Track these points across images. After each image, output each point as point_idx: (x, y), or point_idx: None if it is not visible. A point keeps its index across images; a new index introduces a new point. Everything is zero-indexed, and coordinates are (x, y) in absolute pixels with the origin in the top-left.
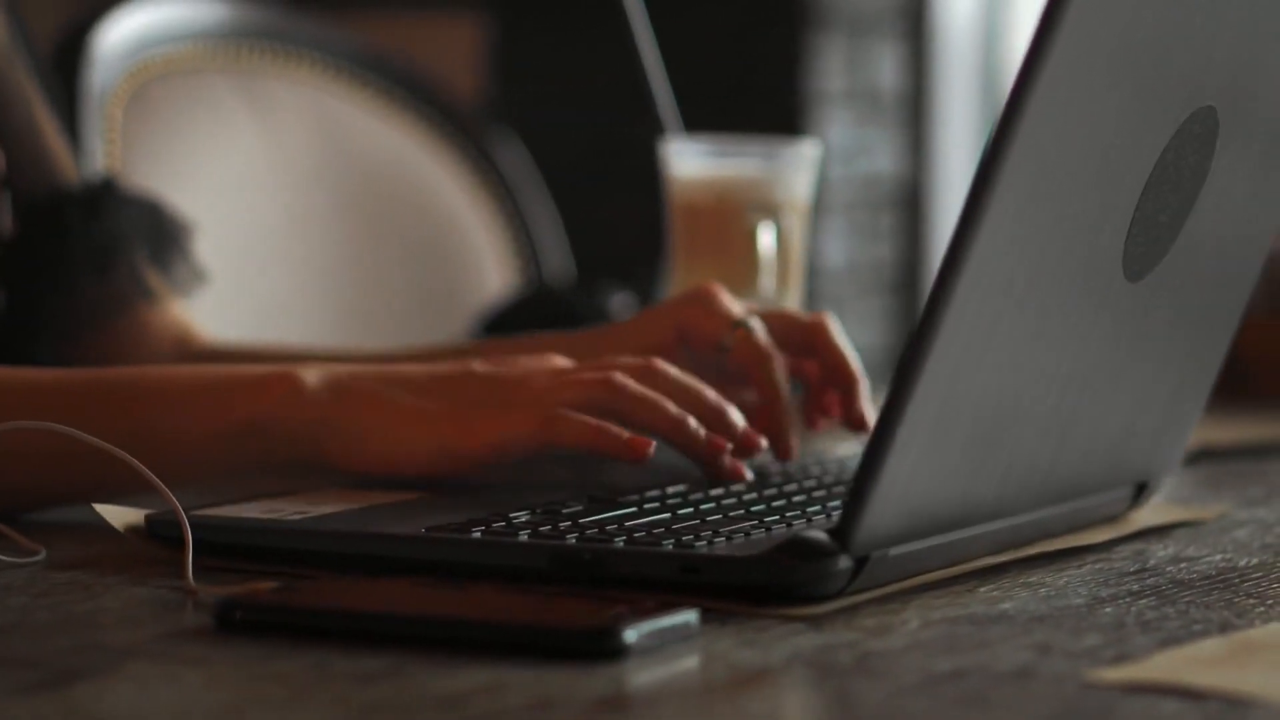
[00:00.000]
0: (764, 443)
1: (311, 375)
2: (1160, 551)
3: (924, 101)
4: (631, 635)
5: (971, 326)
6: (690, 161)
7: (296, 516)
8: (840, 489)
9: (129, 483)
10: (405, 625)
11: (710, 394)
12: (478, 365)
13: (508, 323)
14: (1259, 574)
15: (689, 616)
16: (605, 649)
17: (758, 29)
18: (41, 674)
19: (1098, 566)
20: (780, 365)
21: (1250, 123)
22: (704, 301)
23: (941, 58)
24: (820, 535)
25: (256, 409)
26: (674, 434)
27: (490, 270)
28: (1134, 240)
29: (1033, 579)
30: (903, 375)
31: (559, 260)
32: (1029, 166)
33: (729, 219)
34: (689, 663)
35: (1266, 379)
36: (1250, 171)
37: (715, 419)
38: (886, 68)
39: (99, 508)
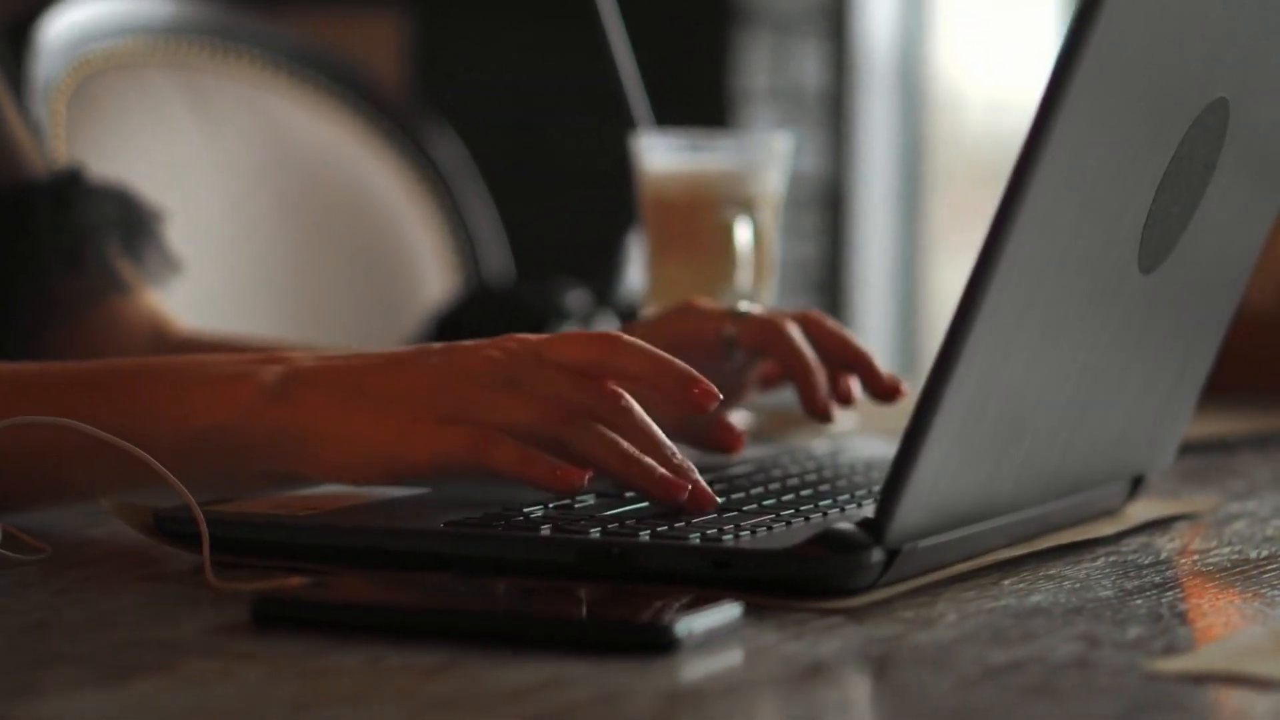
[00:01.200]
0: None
1: (271, 376)
2: (1168, 544)
3: (845, 101)
4: (683, 629)
5: (1002, 321)
6: (662, 155)
7: (308, 512)
8: (840, 482)
9: (117, 481)
10: (462, 620)
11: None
12: (431, 358)
13: (462, 318)
14: (1273, 566)
15: (734, 610)
16: (659, 643)
17: (684, 26)
18: (97, 670)
19: (1111, 560)
20: (795, 329)
21: (1257, 114)
22: (690, 308)
23: (862, 57)
24: (853, 528)
25: (217, 416)
26: (625, 472)
27: (429, 265)
28: (1149, 232)
29: (1052, 572)
30: (938, 370)
31: (497, 255)
32: (1060, 166)
33: (702, 214)
34: (738, 656)
35: (1219, 372)
36: (1253, 163)
37: (665, 459)
38: (809, 67)
39: (107, 503)
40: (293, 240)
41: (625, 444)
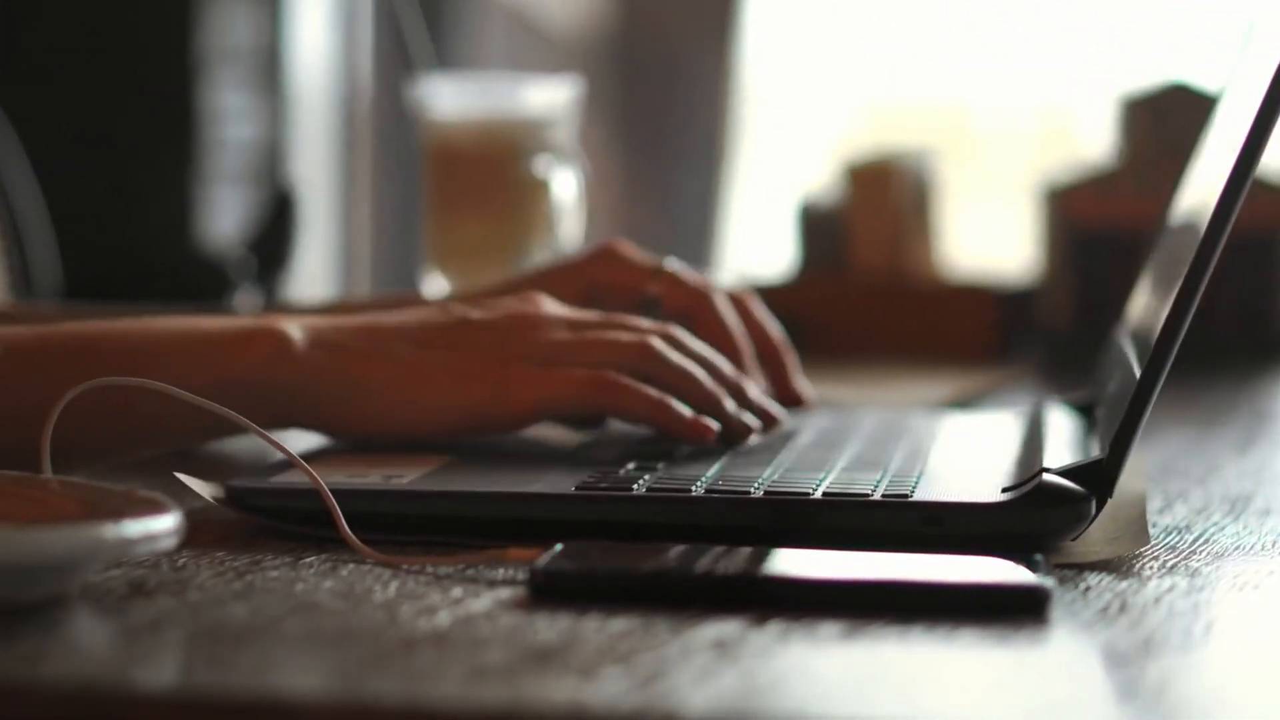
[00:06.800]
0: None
1: (296, 330)
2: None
3: (281, 63)
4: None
5: None
6: (451, 101)
7: (405, 480)
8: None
9: (184, 439)
10: (824, 592)
11: (729, 368)
12: (471, 311)
13: (119, 284)
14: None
15: (1048, 567)
16: (1036, 603)
17: None
18: (495, 652)
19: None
20: (722, 299)
21: None
22: (612, 255)
23: (293, 19)
24: (1066, 481)
25: (242, 367)
26: (708, 410)
27: None
28: None
29: None
30: (1164, 345)
31: (42, 231)
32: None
33: (505, 165)
34: (1099, 611)
35: (822, 336)
36: None
37: (738, 394)
38: (250, 28)
39: (183, 478)
40: None
41: (709, 382)
